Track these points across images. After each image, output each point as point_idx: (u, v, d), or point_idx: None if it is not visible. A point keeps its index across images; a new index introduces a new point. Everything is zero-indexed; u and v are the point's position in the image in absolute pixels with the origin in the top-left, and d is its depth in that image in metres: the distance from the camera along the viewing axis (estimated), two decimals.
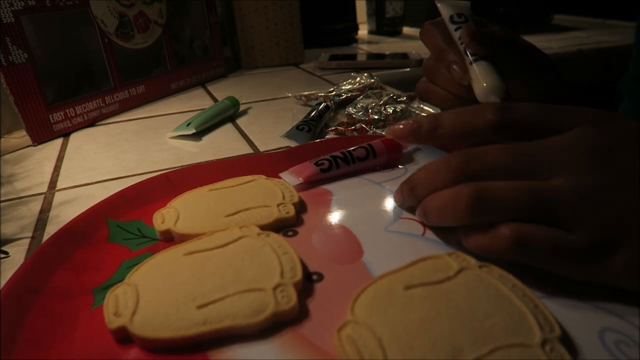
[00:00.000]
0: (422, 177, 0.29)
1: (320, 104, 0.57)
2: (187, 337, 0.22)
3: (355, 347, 0.20)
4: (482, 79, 0.33)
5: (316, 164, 0.37)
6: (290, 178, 0.37)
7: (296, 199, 0.34)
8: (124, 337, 0.23)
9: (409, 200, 0.31)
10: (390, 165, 0.40)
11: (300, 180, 0.37)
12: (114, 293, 0.24)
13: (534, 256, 0.24)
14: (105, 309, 0.23)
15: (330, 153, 0.39)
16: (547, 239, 0.23)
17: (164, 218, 0.32)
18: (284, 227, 0.32)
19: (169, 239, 0.31)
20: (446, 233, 0.30)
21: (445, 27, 0.38)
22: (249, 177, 0.37)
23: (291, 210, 0.32)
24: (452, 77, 0.36)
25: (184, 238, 0.30)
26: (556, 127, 0.26)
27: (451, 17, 0.36)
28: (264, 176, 0.37)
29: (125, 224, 0.33)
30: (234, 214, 0.32)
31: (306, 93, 0.65)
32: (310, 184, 0.37)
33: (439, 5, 0.38)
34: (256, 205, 0.33)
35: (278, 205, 0.33)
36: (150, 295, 0.24)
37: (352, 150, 0.39)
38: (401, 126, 0.32)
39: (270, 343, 0.22)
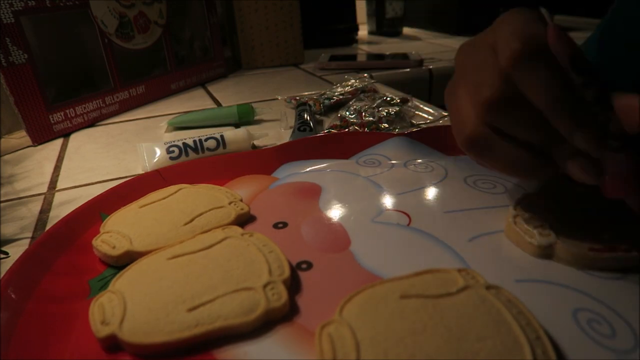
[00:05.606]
0: None
1: (303, 104, 0.58)
2: (180, 340, 0.21)
3: (332, 346, 0.20)
4: None
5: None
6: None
7: (240, 197, 0.35)
8: (112, 345, 0.22)
9: None
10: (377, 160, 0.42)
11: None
12: (99, 302, 0.24)
13: None
14: (91, 319, 0.23)
15: (324, 148, 0.41)
16: None
17: (113, 243, 0.29)
18: (243, 222, 0.32)
19: (127, 261, 0.28)
20: (432, 223, 0.31)
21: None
22: (175, 187, 0.36)
23: (245, 207, 0.33)
24: (573, 171, 0.24)
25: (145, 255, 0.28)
26: None
27: (572, 60, 0.23)
28: (188, 185, 0.36)
29: None
30: (191, 220, 0.31)
31: (297, 95, 0.65)
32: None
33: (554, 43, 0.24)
34: (207, 209, 0.32)
35: (229, 203, 0.33)
36: (137, 301, 0.24)
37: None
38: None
39: (270, 337, 0.23)
